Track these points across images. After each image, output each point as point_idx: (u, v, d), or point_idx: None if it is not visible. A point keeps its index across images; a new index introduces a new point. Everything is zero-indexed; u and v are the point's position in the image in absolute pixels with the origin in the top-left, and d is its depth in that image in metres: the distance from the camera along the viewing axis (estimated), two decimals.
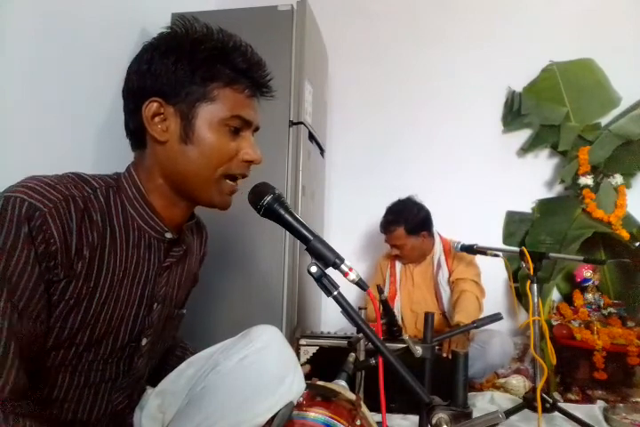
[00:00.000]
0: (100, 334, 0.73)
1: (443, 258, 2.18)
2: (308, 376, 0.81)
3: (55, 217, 0.65)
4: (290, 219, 0.73)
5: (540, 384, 1.44)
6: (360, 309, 1.42)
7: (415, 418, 1.47)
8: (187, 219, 0.85)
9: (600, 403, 1.81)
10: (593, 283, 2.32)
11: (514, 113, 2.64)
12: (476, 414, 1.49)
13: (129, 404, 0.84)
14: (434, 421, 0.66)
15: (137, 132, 0.78)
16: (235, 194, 0.84)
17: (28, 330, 0.63)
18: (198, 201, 0.82)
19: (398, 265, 2.30)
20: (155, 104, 0.74)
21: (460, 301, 2.02)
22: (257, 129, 0.84)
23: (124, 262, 0.75)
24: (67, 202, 0.67)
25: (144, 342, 0.82)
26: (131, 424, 0.85)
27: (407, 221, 2.14)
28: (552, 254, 1.59)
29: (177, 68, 0.73)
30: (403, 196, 2.25)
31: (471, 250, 1.88)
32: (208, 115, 0.75)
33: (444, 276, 2.16)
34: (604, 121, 2.57)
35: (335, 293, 0.70)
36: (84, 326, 0.71)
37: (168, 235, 0.80)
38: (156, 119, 0.75)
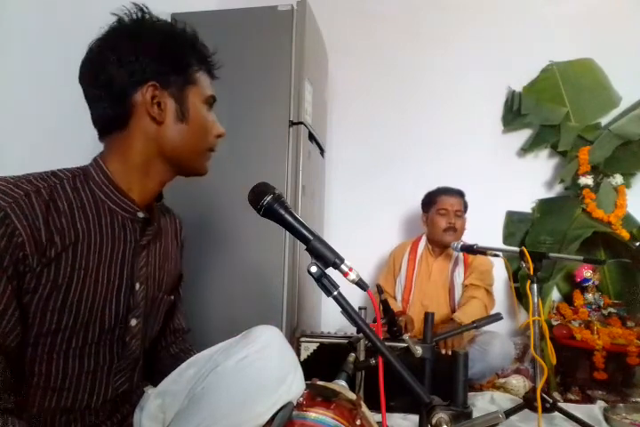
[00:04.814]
0: (85, 316, 0.75)
1: (461, 257, 2.18)
2: (308, 377, 0.81)
3: (17, 210, 0.67)
4: (290, 219, 0.73)
5: (539, 384, 1.44)
6: (360, 309, 1.42)
7: (415, 418, 1.47)
8: (155, 197, 0.89)
9: (600, 403, 1.81)
10: (593, 283, 2.32)
11: (514, 113, 2.64)
12: (475, 414, 1.50)
13: (130, 387, 0.85)
14: (434, 421, 0.66)
15: (119, 118, 0.81)
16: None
17: None
18: (189, 170, 0.88)
19: (419, 253, 2.27)
20: (152, 88, 0.79)
21: (467, 304, 2.02)
22: None
23: (98, 244, 0.77)
24: (28, 196, 0.69)
25: (133, 322, 0.83)
26: (133, 411, 0.85)
27: (464, 197, 2.25)
28: (552, 254, 1.59)
29: (163, 56, 0.80)
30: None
31: (471, 250, 1.88)
32: (194, 96, 0.84)
33: (459, 273, 2.16)
34: (604, 121, 2.58)
35: (335, 293, 0.70)
36: (68, 309, 0.72)
37: (140, 214, 0.83)
38: (155, 101, 0.80)
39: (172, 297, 0.99)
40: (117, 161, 0.81)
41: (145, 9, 0.81)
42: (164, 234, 0.95)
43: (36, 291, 0.69)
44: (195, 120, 0.83)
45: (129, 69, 0.78)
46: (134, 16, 0.80)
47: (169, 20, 0.86)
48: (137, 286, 0.83)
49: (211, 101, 0.88)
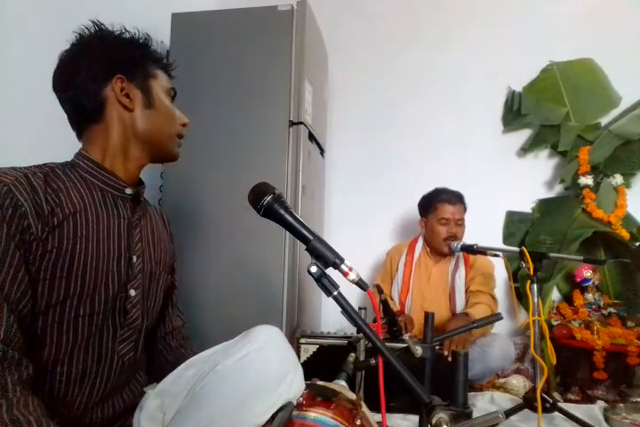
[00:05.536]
0: (91, 284, 0.81)
1: (462, 259, 2.17)
2: (309, 377, 0.81)
3: (17, 185, 0.74)
4: (290, 219, 0.73)
5: (539, 384, 1.44)
6: (360, 309, 1.42)
7: (415, 418, 1.47)
8: (138, 176, 0.98)
9: (600, 403, 1.81)
10: (593, 283, 2.32)
11: (514, 113, 2.64)
12: (475, 414, 1.50)
13: (134, 357, 0.91)
14: (434, 421, 0.66)
15: (95, 111, 0.90)
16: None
17: (7, 288, 0.70)
18: (161, 153, 0.98)
19: (416, 256, 2.24)
20: (119, 80, 0.91)
21: (477, 306, 1.99)
22: None
23: (95, 217, 0.84)
24: (26, 176, 0.77)
25: (133, 293, 0.90)
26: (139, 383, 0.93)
27: (464, 202, 2.20)
28: (552, 254, 1.59)
29: (126, 55, 0.92)
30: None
31: (471, 250, 1.88)
32: (157, 87, 0.96)
33: (460, 276, 2.13)
34: (604, 121, 2.57)
35: (335, 293, 0.70)
36: (74, 276, 0.79)
37: (128, 190, 0.92)
38: (123, 92, 0.91)
39: (169, 276, 1.06)
40: (99, 148, 0.91)
41: (102, 24, 0.94)
42: (154, 220, 1.03)
43: (43, 258, 0.75)
44: (160, 107, 0.95)
45: (98, 68, 0.89)
46: (92, 30, 0.92)
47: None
48: (134, 258, 0.91)
49: (172, 94, 1.00)
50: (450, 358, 1.66)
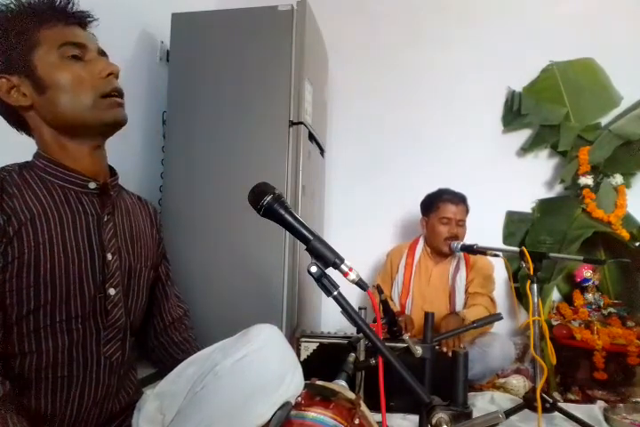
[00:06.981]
0: (63, 290, 0.77)
1: (462, 260, 2.16)
2: (309, 377, 0.81)
3: None
4: (290, 219, 0.73)
5: (539, 384, 1.44)
6: (360, 309, 1.42)
7: (415, 418, 1.47)
8: (101, 166, 0.88)
9: (600, 403, 1.81)
10: (593, 283, 2.32)
11: (514, 113, 2.64)
12: (475, 414, 1.50)
13: (122, 357, 0.87)
14: (434, 421, 0.66)
15: (17, 118, 0.83)
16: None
17: None
18: (95, 128, 0.84)
19: (416, 258, 2.24)
20: (1, 80, 0.78)
21: (474, 307, 2.00)
22: (103, 53, 0.87)
23: (57, 219, 0.79)
24: None
25: (112, 291, 0.84)
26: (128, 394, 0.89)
27: (466, 203, 2.20)
28: (552, 254, 1.59)
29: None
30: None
31: (471, 250, 1.88)
32: (43, 58, 0.78)
33: (461, 277, 2.13)
34: (604, 121, 2.57)
35: (335, 293, 0.70)
36: (43, 284, 0.75)
37: (92, 185, 0.84)
38: (12, 92, 0.79)
39: (154, 273, 1.00)
40: (47, 145, 0.83)
41: None
42: (132, 213, 0.96)
43: (6, 270, 0.72)
44: (56, 82, 0.78)
45: None
46: None
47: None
48: (109, 256, 0.85)
49: (70, 51, 0.80)
50: (449, 354, 1.66)
